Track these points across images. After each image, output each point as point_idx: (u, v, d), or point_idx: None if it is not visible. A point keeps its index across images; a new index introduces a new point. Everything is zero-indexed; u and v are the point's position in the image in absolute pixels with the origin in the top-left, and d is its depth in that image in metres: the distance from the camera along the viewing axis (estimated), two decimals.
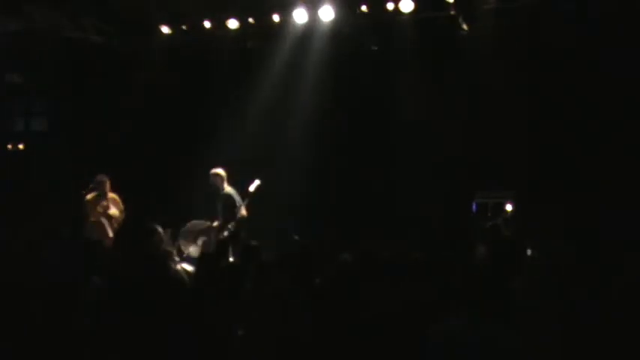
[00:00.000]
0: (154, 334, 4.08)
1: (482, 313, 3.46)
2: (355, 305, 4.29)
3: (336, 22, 9.47)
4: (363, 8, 9.28)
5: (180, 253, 8.36)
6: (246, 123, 10.23)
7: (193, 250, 8.43)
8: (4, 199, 9.94)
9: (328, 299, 4.45)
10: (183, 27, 10.32)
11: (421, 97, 9.18)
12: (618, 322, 3.76)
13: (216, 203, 8.41)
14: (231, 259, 6.77)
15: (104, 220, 8.39)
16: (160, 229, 6.51)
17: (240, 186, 8.46)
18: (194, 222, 8.66)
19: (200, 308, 4.31)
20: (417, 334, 3.69)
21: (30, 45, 10.00)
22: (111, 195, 8.58)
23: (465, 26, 8.87)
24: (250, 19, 9.86)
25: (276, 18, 9.67)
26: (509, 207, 8.11)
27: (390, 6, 9.03)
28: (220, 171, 8.44)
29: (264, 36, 10.08)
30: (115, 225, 8.49)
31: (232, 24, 9.89)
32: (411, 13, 9.00)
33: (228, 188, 8.40)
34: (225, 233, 8.20)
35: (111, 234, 8.25)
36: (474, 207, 8.35)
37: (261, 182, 8.40)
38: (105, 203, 8.46)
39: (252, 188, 8.33)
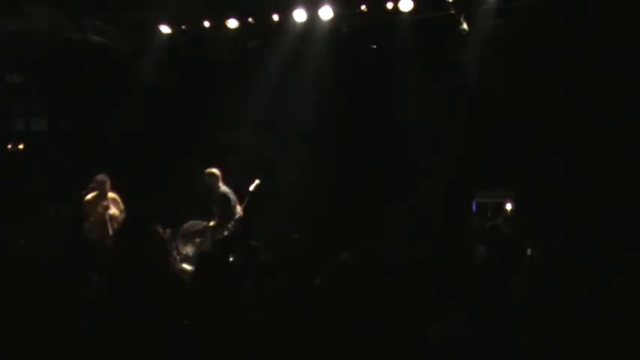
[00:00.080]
0: (153, 334, 4.08)
1: (482, 313, 3.46)
2: (355, 305, 4.29)
3: (335, 22, 9.47)
4: (363, 8, 9.28)
5: (177, 253, 8.36)
6: (246, 123, 10.23)
7: (190, 250, 8.44)
8: (4, 199, 9.94)
9: (328, 299, 4.45)
10: (183, 27, 10.32)
11: (421, 97, 9.18)
12: (618, 322, 3.76)
13: (212, 203, 8.41)
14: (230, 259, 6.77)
15: (104, 220, 8.39)
16: (160, 229, 6.52)
17: (240, 186, 8.46)
18: (191, 222, 8.67)
19: (200, 308, 4.31)
20: (417, 334, 3.69)
21: (30, 45, 10.00)
22: (111, 195, 8.57)
23: (465, 26, 8.87)
24: (250, 19, 9.86)
25: (276, 18, 9.67)
26: (509, 207, 8.11)
27: (390, 5, 9.03)
28: (215, 170, 8.44)
29: (264, 36, 10.09)
30: (115, 225, 8.49)
31: (232, 24, 9.88)
32: (410, 13, 8.99)
33: (223, 187, 8.41)
34: (225, 233, 8.21)
35: (111, 234, 8.25)
36: (474, 207, 8.35)
37: (261, 182, 8.40)
38: (105, 203, 8.46)
39: (252, 188, 8.33)
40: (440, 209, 8.83)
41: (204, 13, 10.04)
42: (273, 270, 5.00)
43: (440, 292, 4.36)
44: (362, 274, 4.69)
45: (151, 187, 10.10)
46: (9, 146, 12.06)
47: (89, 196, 8.48)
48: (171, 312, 4.28)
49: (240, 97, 10.38)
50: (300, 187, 9.71)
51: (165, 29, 10.28)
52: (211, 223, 8.35)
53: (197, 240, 8.39)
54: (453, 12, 8.92)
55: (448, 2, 8.91)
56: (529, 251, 5.80)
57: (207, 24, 10.09)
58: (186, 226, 8.67)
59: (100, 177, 8.49)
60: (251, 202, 8.32)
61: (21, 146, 12.14)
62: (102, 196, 8.47)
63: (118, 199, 8.67)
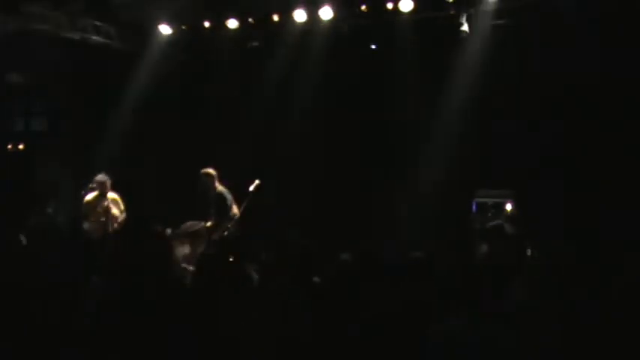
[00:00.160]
0: (153, 334, 4.08)
1: (482, 313, 3.47)
2: (355, 305, 4.28)
3: (335, 22, 9.47)
4: (363, 8, 9.28)
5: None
6: (246, 122, 10.23)
7: (186, 250, 8.43)
8: (4, 199, 9.94)
9: (328, 299, 4.44)
10: (183, 27, 10.32)
11: (421, 97, 9.18)
12: (618, 322, 3.76)
13: (209, 203, 8.41)
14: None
15: (104, 220, 8.39)
16: (161, 229, 6.52)
17: (241, 186, 8.46)
18: (189, 223, 8.66)
19: (200, 308, 4.31)
20: (417, 334, 3.69)
21: (30, 45, 10.00)
22: (111, 195, 8.58)
23: (465, 26, 8.87)
24: (250, 19, 9.86)
25: (276, 18, 9.67)
26: (509, 207, 8.11)
27: (390, 5, 9.03)
28: (211, 170, 8.44)
29: (264, 36, 10.09)
30: (115, 225, 8.49)
31: (232, 24, 9.89)
32: (410, 13, 9.00)
33: (219, 187, 8.41)
34: (225, 233, 8.21)
35: (111, 234, 8.24)
36: (473, 207, 8.35)
37: (261, 182, 8.40)
38: (105, 203, 8.46)
39: (252, 188, 8.33)
40: (440, 209, 8.83)
41: (204, 13, 10.05)
42: (273, 270, 5.00)
43: (440, 292, 4.36)
44: (362, 274, 4.68)
45: (151, 187, 10.11)
46: (9, 146, 12.07)
47: (89, 196, 8.48)
48: (172, 312, 4.27)
49: (240, 97, 10.39)
50: (300, 187, 9.71)
51: (165, 29, 10.28)
52: (208, 224, 8.35)
53: (192, 240, 8.36)
54: (453, 12, 8.92)
55: (448, 2, 8.91)
56: (529, 251, 5.80)
57: (207, 24, 10.10)
58: (183, 226, 8.65)
59: (100, 177, 8.49)
60: (251, 202, 8.32)
61: (21, 146, 12.14)
62: (102, 196, 8.47)
63: (118, 199, 8.67)
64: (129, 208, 8.73)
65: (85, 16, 9.90)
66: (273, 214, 9.35)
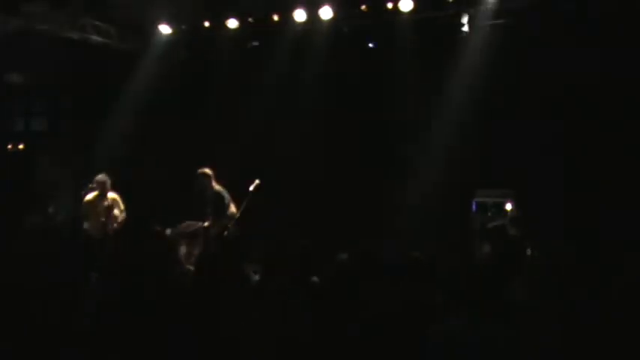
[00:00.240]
0: (153, 334, 4.08)
1: (482, 313, 3.47)
2: (355, 305, 4.29)
3: (335, 22, 9.47)
4: (363, 8, 9.29)
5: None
6: (246, 122, 10.23)
7: (183, 250, 8.42)
8: (4, 199, 9.94)
9: (328, 299, 4.45)
10: (183, 27, 10.32)
11: (421, 97, 9.18)
12: (618, 322, 3.76)
13: (206, 203, 8.42)
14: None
15: (104, 220, 8.39)
16: (160, 229, 6.53)
17: (240, 186, 8.46)
18: (187, 223, 8.66)
19: (200, 308, 4.31)
20: (417, 334, 3.69)
21: (30, 45, 10.00)
22: (111, 195, 8.58)
23: (465, 26, 8.87)
24: (250, 19, 9.86)
25: (276, 18, 9.68)
26: (509, 207, 8.11)
27: (390, 5, 9.03)
28: (207, 170, 8.44)
29: (264, 36, 10.09)
30: (115, 225, 8.50)
31: (232, 24, 9.89)
32: (410, 13, 9.00)
33: (216, 187, 8.42)
34: (225, 233, 8.21)
35: (111, 234, 8.24)
36: (474, 207, 8.35)
37: (261, 182, 8.39)
38: (105, 203, 8.46)
39: (252, 188, 8.32)
40: (440, 209, 8.83)
41: (204, 13, 10.05)
42: (273, 270, 5.00)
43: (440, 292, 4.36)
44: (362, 274, 4.68)
45: (151, 187, 10.11)
46: (9, 146, 12.07)
47: (89, 196, 8.48)
48: (172, 312, 4.27)
49: (239, 97, 10.39)
50: (300, 186, 9.71)
51: (165, 29, 10.28)
52: (206, 224, 8.36)
53: (190, 240, 8.36)
54: (452, 12, 8.92)
55: (448, 2, 8.91)
56: (529, 251, 5.80)
57: (207, 24, 10.10)
58: (180, 226, 8.64)
59: (100, 177, 8.49)
60: (251, 202, 8.31)
61: (21, 146, 12.15)
62: (102, 196, 8.47)
63: (118, 199, 8.67)
64: (129, 208, 8.73)
65: (85, 16, 9.90)
66: (273, 214, 9.34)
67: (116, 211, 8.54)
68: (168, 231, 8.17)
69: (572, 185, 8.18)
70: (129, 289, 4.47)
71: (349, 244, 5.57)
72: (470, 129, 8.91)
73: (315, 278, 5.01)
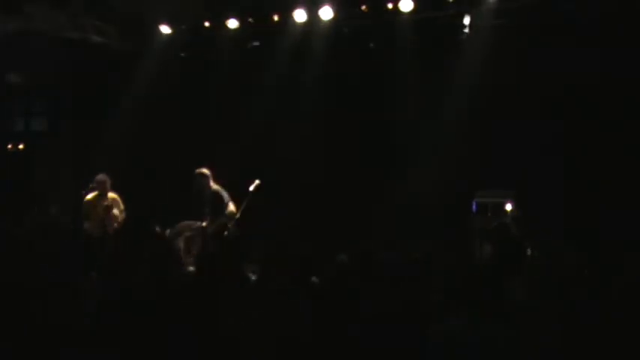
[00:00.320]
0: (153, 334, 4.08)
1: (482, 313, 3.47)
2: (355, 305, 4.29)
3: (335, 22, 9.47)
4: (363, 8, 9.28)
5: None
6: (246, 123, 10.23)
7: (181, 245, 8.43)
8: (4, 199, 9.94)
9: (328, 299, 4.45)
10: (183, 27, 10.32)
11: (421, 97, 9.18)
12: (618, 322, 3.76)
13: (204, 202, 8.43)
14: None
15: (104, 220, 8.39)
16: (160, 229, 6.53)
17: (240, 186, 8.46)
18: (185, 222, 8.67)
19: (200, 308, 4.31)
20: (417, 334, 3.69)
21: (30, 45, 10.00)
22: (111, 195, 8.58)
23: (465, 26, 8.86)
24: (250, 19, 9.86)
25: (276, 18, 9.67)
26: (509, 207, 8.11)
27: (390, 5, 9.03)
28: (205, 170, 8.46)
29: (264, 36, 10.09)
30: (115, 225, 8.49)
31: (232, 24, 9.89)
32: (410, 13, 9.00)
33: (214, 186, 8.43)
34: (225, 233, 8.21)
35: (111, 234, 8.24)
36: (474, 207, 8.35)
37: (261, 182, 8.40)
38: (105, 203, 8.46)
39: (252, 188, 8.33)
40: (440, 209, 8.83)
41: (204, 13, 10.05)
42: (272, 270, 5.00)
43: (440, 292, 4.36)
44: (362, 274, 4.69)
45: (151, 187, 10.10)
46: (9, 146, 12.07)
47: (89, 196, 8.48)
48: (172, 312, 4.27)
49: (240, 97, 10.39)
50: (300, 187, 9.71)
51: (165, 29, 10.28)
52: (204, 224, 8.37)
53: (188, 239, 8.36)
54: (452, 12, 8.92)
55: (448, 2, 8.91)
56: (529, 251, 5.80)
57: (207, 24, 10.09)
58: (178, 226, 8.65)
59: (100, 177, 8.49)
60: (251, 202, 8.32)
61: (21, 146, 12.15)
62: (102, 196, 8.47)
63: (118, 199, 8.67)
64: (129, 208, 8.73)
65: (85, 16, 9.90)
66: (273, 214, 9.34)
67: (116, 211, 8.54)
68: (167, 231, 8.19)
69: (572, 185, 8.18)
70: (129, 289, 4.47)
71: (349, 244, 5.58)
72: (470, 129, 8.91)
73: (315, 278, 5.02)
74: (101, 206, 8.42)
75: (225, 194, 8.41)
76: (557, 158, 8.33)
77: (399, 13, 9.03)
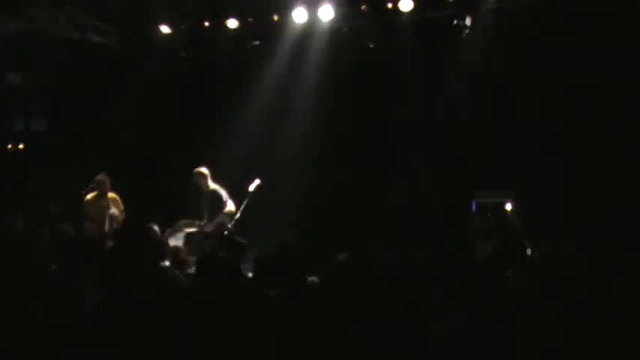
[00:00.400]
0: (153, 334, 4.08)
1: (482, 313, 3.47)
2: (355, 305, 4.29)
3: (335, 22, 9.47)
4: (363, 8, 9.28)
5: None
6: (246, 123, 10.23)
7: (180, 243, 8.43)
8: (4, 199, 9.94)
9: (328, 299, 4.45)
10: (183, 27, 10.32)
11: (421, 97, 9.18)
12: (618, 322, 3.76)
13: (202, 201, 8.44)
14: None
15: (104, 220, 8.39)
16: (157, 229, 6.53)
17: (240, 186, 8.47)
18: (183, 221, 8.68)
19: (200, 308, 4.31)
20: (417, 334, 3.69)
21: (30, 45, 10.00)
22: (111, 195, 8.58)
23: (465, 26, 8.86)
24: (250, 19, 9.86)
25: (276, 18, 9.67)
26: (509, 207, 8.10)
27: (390, 5, 9.03)
28: (203, 169, 8.48)
29: (264, 36, 10.09)
30: (115, 225, 8.50)
31: (232, 24, 9.89)
32: (410, 13, 9.00)
33: (212, 185, 8.44)
34: (225, 232, 8.21)
35: (110, 233, 8.24)
36: (474, 207, 8.35)
37: (261, 182, 8.40)
38: (105, 203, 8.46)
39: (251, 188, 8.33)
40: (440, 209, 8.82)
41: (204, 13, 10.05)
42: (273, 270, 5.00)
43: (440, 292, 4.36)
44: (362, 274, 4.68)
45: (151, 187, 10.11)
46: (9, 146, 12.07)
47: (89, 196, 8.49)
48: (172, 312, 4.27)
49: (240, 97, 10.38)
50: (300, 186, 9.70)
51: (165, 29, 10.28)
52: (203, 223, 8.38)
53: (186, 239, 8.36)
54: (452, 12, 8.92)
55: (448, 2, 8.91)
56: (529, 251, 5.79)
57: (207, 24, 10.09)
58: (177, 225, 8.66)
59: (100, 177, 8.49)
60: (251, 202, 8.32)
61: (21, 146, 12.15)
62: (102, 195, 8.48)
63: (118, 199, 8.67)
64: (129, 208, 8.73)
65: (85, 16, 9.89)
66: (273, 214, 9.34)
67: (116, 211, 8.54)
68: (167, 231, 8.19)
69: (572, 185, 8.18)
70: (129, 289, 4.47)
71: (349, 244, 5.58)
72: (470, 129, 8.90)
73: (315, 278, 5.02)
74: (101, 206, 8.42)
75: (223, 193, 8.42)
76: (557, 158, 8.33)
77: (399, 13, 9.03)
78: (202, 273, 4.87)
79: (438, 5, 9.01)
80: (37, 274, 4.99)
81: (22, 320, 4.33)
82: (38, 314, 4.39)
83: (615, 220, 7.48)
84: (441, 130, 9.01)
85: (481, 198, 8.32)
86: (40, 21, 9.35)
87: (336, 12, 9.29)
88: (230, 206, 8.39)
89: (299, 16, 9.43)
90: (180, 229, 8.40)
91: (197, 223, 8.43)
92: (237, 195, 8.44)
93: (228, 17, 9.84)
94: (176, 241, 8.20)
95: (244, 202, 8.27)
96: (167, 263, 5.71)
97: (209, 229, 8.31)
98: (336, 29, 9.60)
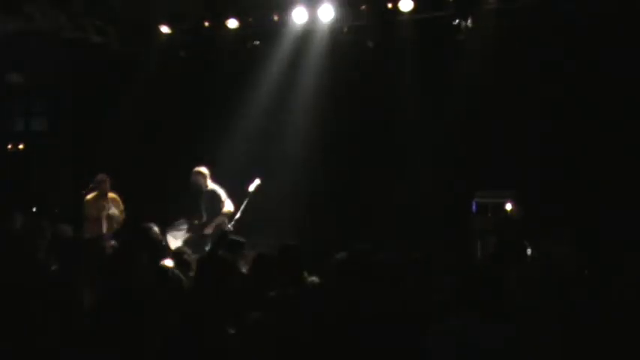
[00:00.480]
0: (154, 334, 4.08)
1: (482, 313, 3.47)
2: (355, 305, 4.29)
3: (335, 22, 9.47)
4: (363, 8, 9.28)
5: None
6: (246, 123, 10.23)
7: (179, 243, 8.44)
8: (4, 199, 9.94)
9: (328, 299, 4.44)
10: (183, 27, 10.32)
11: (421, 97, 9.17)
12: (618, 322, 3.76)
13: (200, 201, 8.45)
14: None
15: (104, 220, 8.39)
16: (157, 228, 6.53)
17: (240, 186, 8.46)
18: (182, 221, 8.68)
19: (200, 308, 4.31)
20: (417, 334, 3.69)
21: (30, 45, 10.00)
22: (111, 195, 8.58)
23: (465, 26, 8.86)
24: (250, 19, 9.87)
25: (276, 18, 9.68)
26: (509, 207, 8.10)
27: (390, 5, 9.03)
28: (202, 169, 8.49)
29: (264, 36, 10.09)
30: (115, 225, 8.50)
31: (232, 24, 9.89)
32: (410, 13, 8.99)
33: (211, 185, 8.45)
34: (225, 232, 8.21)
35: (110, 233, 8.24)
36: (474, 207, 8.35)
37: (261, 182, 8.40)
38: (105, 203, 8.46)
39: (251, 188, 8.33)
40: (440, 209, 8.82)
41: (204, 13, 10.05)
42: (273, 270, 5.00)
43: (440, 292, 4.36)
44: (362, 274, 4.68)
45: (151, 187, 10.11)
46: (9, 146, 12.07)
47: (89, 196, 8.48)
48: (171, 312, 4.27)
49: (240, 97, 10.38)
50: (300, 187, 9.71)
51: (165, 29, 10.28)
52: (201, 222, 8.38)
53: (183, 234, 8.37)
54: (453, 12, 8.92)
55: (448, 2, 8.91)
56: (529, 251, 5.80)
57: (207, 24, 10.10)
58: (176, 224, 8.66)
59: (100, 177, 8.49)
60: (251, 202, 8.32)
61: (21, 146, 12.15)
62: (102, 196, 8.47)
63: (118, 199, 8.67)
64: (129, 208, 8.73)
65: (85, 16, 9.89)
66: (273, 214, 9.34)
67: (116, 211, 8.54)
68: (167, 231, 8.19)
69: (572, 185, 8.18)
70: (129, 289, 4.46)
71: (349, 244, 5.58)
72: (470, 129, 8.90)
73: (315, 278, 5.02)
74: (101, 206, 8.42)
75: (222, 193, 8.42)
76: (557, 158, 8.33)
77: (399, 13, 9.02)
78: (202, 272, 4.87)
79: (438, 5, 9.01)
80: (37, 274, 4.99)
81: (22, 320, 4.33)
82: (38, 314, 4.38)
83: (615, 220, 7.48)
84: (441, 130, 9.01)
85: (481, 198, 8.32)
86: (40, 21, 9.35)
87: (336, 12, 9.29)
88: (229, 206, 8.40)
89: (299, 16, 9.43)
90: (179, 229, 8.40)
91: (196, 222, 8.43)
92: (237, 195, 8.44)
93: (228, 17, 9.83)
94: (175, 241, 8.20)
95: (244, 202, 8.26)
96: (168, 263, 5.70)
97: (208, 230, 8.31)
98: (336, 29, 9.59)
